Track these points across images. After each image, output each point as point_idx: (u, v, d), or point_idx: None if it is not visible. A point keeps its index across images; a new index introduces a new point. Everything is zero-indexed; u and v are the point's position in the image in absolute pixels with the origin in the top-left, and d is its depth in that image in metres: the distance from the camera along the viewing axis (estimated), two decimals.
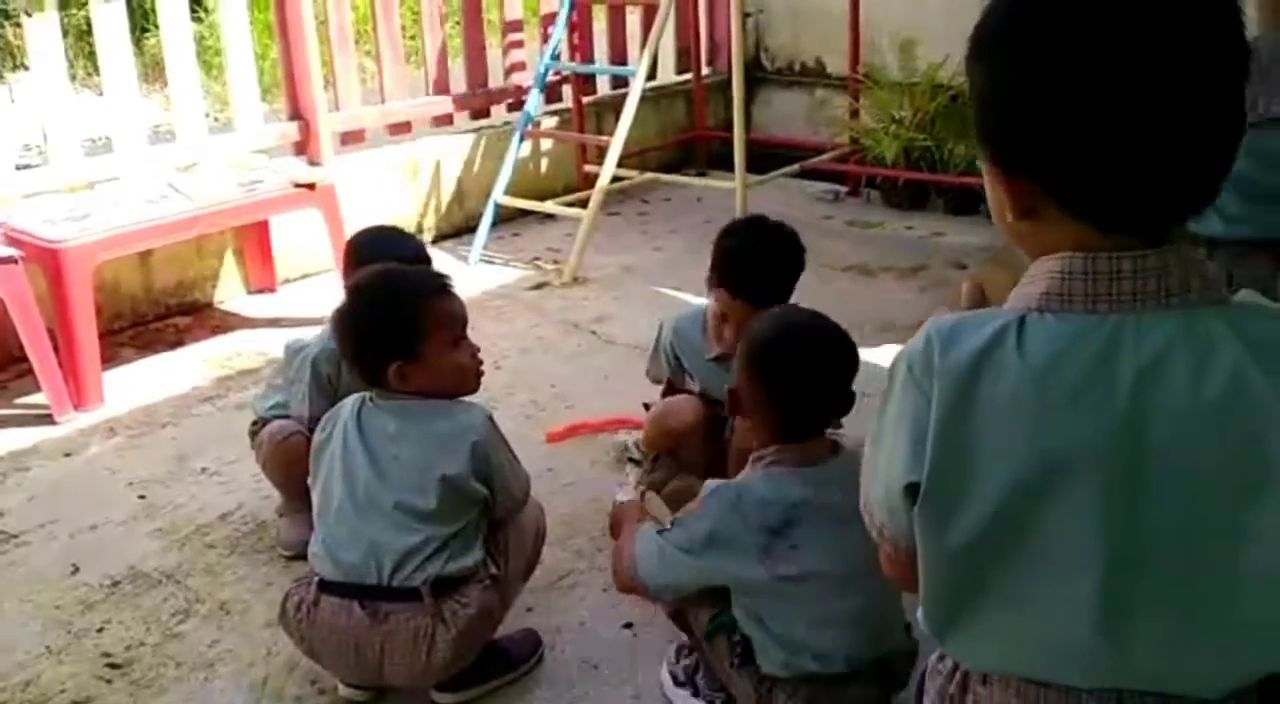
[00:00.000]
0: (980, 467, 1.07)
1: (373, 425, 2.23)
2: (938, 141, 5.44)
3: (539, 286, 4.81)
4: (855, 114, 5.89)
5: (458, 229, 5.51)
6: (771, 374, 2.02)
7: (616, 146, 5.00)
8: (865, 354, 2.13)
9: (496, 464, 2.25)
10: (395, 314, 2.21)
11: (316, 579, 2.18)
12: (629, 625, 2.57)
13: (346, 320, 2.24)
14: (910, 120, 5.52)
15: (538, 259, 5.17)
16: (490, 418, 2.28)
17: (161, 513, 3.14)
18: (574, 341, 4.23)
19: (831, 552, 1.93)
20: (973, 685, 1.19)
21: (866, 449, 1.22)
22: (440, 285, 2.27)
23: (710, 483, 2.05)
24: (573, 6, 5.47)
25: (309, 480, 2.34)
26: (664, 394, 3.05)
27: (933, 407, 1.09)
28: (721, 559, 1.96)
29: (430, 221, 5.45)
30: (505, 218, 5.38)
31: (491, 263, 5.12)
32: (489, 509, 2.27)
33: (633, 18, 6.27)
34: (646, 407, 3.13)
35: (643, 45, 6.21)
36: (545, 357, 4.05)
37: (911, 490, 1.12)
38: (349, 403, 2.30)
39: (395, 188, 5.26)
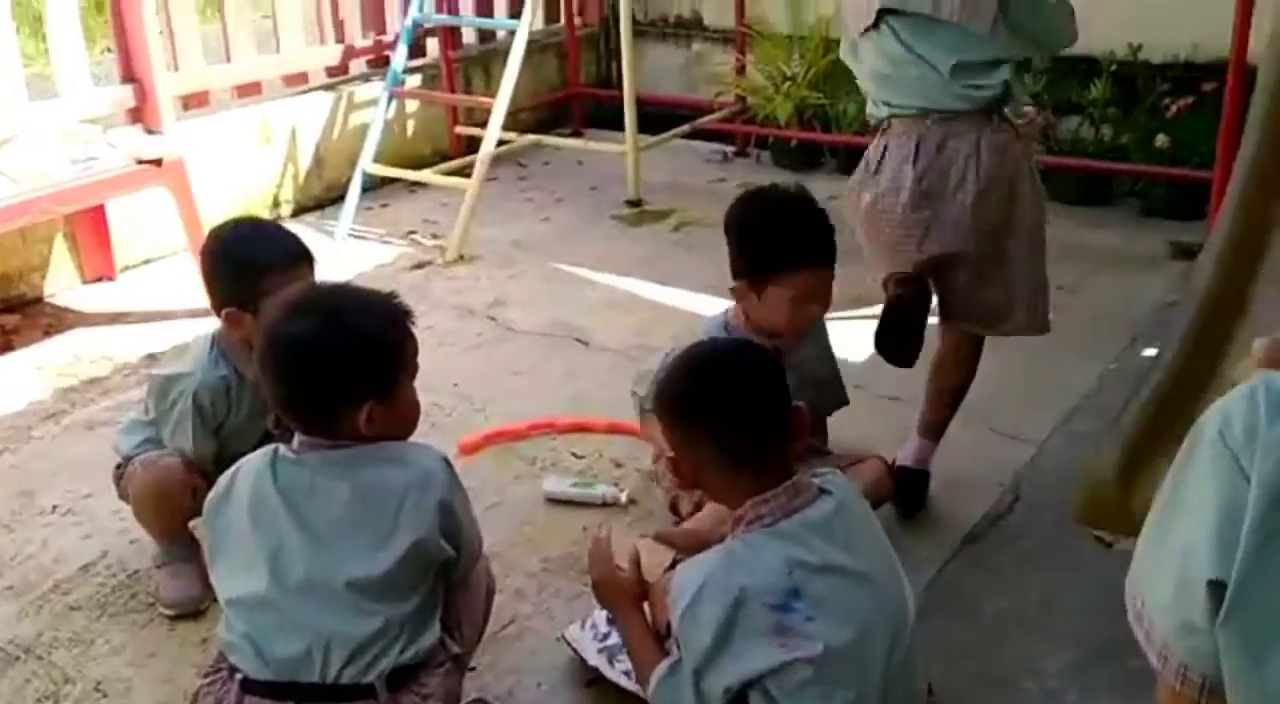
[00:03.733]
0: None
1: (298, 484, 1.81)
2: (831, 99, 5.17)
3: (420, 266, 4.36)
4: (742, 70, 5.57)
5: (319, 201, 4.98)
6: (696, 417, 1.77)
7: (501, 107, 4.56)
8: None
9: (461, 519, 1.87)
10: (377, 345, 1.80)
11: (239, 677, 1.76)
12: (593, 683, 2.22)
13: (305, 354, 1.80)
14: (802, 77, 5.23)
15: (413, 233, 4.71)
16: (448, 461, 1.89)
17: (9, 566, 2.62)
18: (471, 330, 3.81)
19: (848, 618, 1.64)
20: None
21: (1148, 531, 0.94)
22: (407, 309, 1.87)
23: (689, 573, 1.70)
24: None
25: (207, 551, 1.91)
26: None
27: (1253, 487, 0.82)
28: (739, 659, 1.63)
29: (288, 193, 4.90)
30: (369, 187, 4.88)
31: (363, 239, 4.63)
32: (448, 572, 1.89)
33: None
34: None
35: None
36: (442, 350, 3.62)
37: (1216, 592, 0.83)
38: (255, 459, 1.87)
39: (246, 157, 4.70)
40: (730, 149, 5.63)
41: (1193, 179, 4.41)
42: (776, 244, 2.33)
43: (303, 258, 2.37)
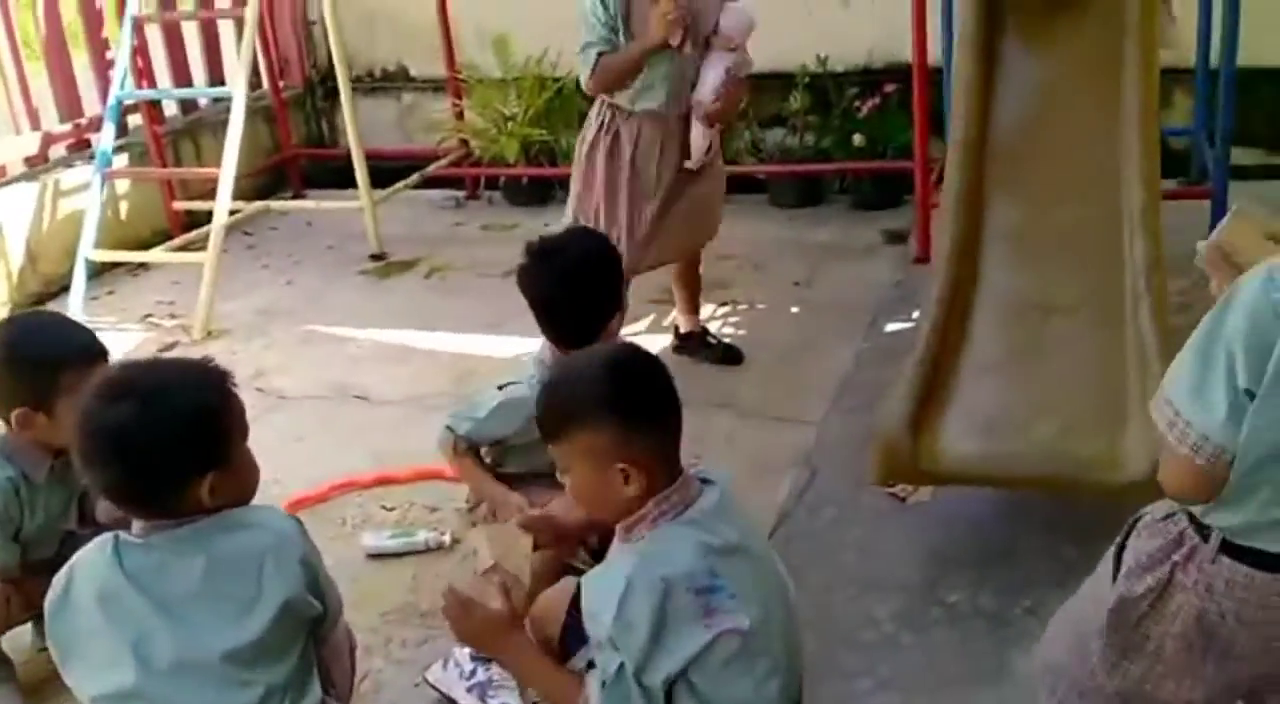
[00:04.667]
0: None
1: (148, 567, 1.74)
2: (554, 135, 5.34)
3: (168, 348, 4.18)
4: (461, 116, 5.65)
5: (38, 297, 4.67)
6: (633, 414, 1.74)
7: (228, 175, 4.45)
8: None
9: (321, 573, 1.85)
10: (203, 417, 1.74)
11: None
12: None
13: (132, 441, 1.72)
14: (523, 116, 5.37)
15: (150, 316, 4.50)
16: (297, 518, 1.87)
17: None
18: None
19: (755, 594, 1.75)
20: (1202, 554, 1.48)
21: (1189, 352, 1.41)
22: (223, 371, 1.82)
23: (603, 581, 1.73)
24: (135, 27, 4.78)
25: (56, 657, 1.80)
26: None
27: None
28: (675, 648, 1.67)
29: (1, 294, 4.57)
30: (91, 275, 4.61)
31: (98, 329, 4.32)
32: (316, 630, 1.86)
33: (187, 31, 5.62)
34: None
35: (206, 63, 5.65)
36: None
37: (1249, 395, 1.35)
38: (91, 553, 1.78)
39: None
40: (461, 194, 5.70)
41: (892, 170, 4.86)
42: (582, 319, 2.37)
43: (100, 351, 2.27)
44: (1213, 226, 3.86)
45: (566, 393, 1.79)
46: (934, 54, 4.25)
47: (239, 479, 1.81)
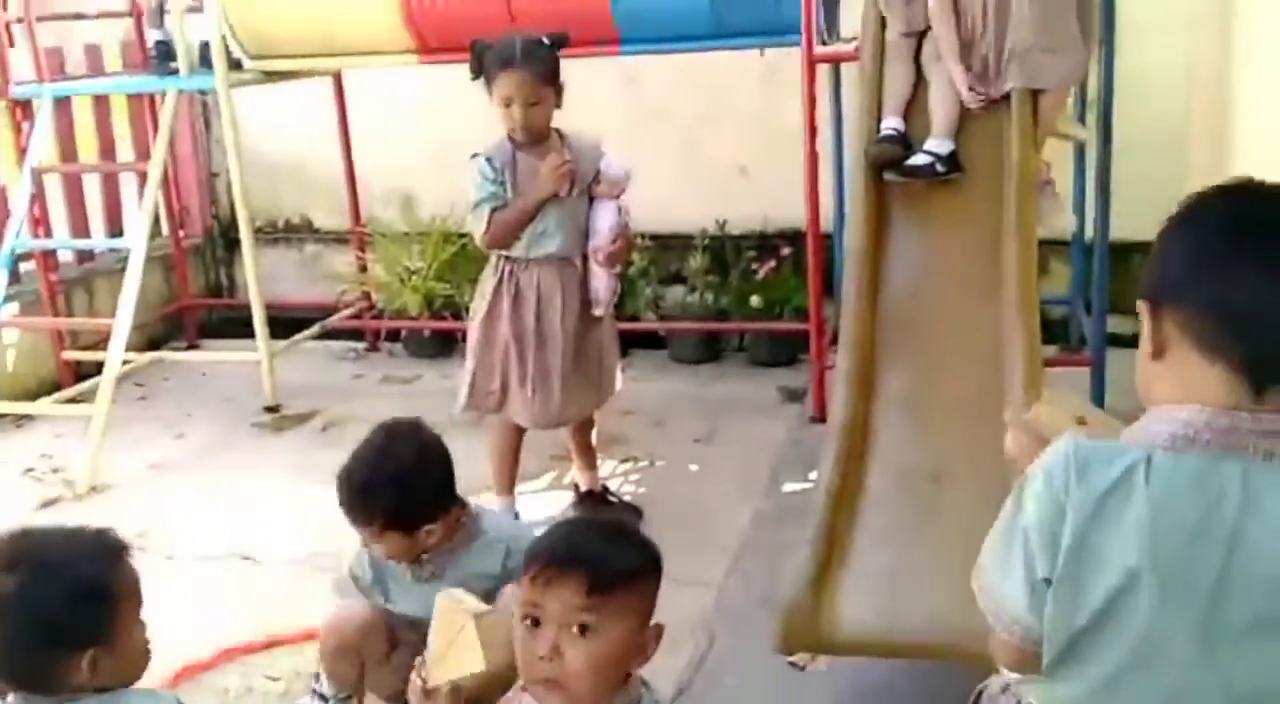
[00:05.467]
0: (1100, 569, 1.31)
1: None
2: (458, 289, 5.38)
3: (50, 503, 4.03)
4: (364, 268, 5.68)
5: None
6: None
7: (123, 326, 4.37)
8: None
9: None
10: (94, 590, 1.68)
11: None
12: None
13: (12, 609, 1.64)
14: (427, 270, 5.42)
15: (31, 470, 4.35)
16: (177, 699, 1.79)
17: None
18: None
19: None
20: None
21: (993, 541, 1.42)
22: (120, 544, 1.77)
23: None
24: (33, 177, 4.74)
25: None
26: None
27: (1068, 517, 1.31)
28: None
29: None
30: None
31: None
32: None
33: (88, 180, 5.59)
34: None
35: (106, 211, 5.63)
36: None
37: (1045, 583, 1.35)
38: None
39: None
40: (362, 346, 5.68)
41: (788, 331, 4.99)
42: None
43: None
44: (1094, 394, 4.09)
45: (620, 550, 1.70)
46: (826, 220, 4.43)
47: (125, 658, 1.75)
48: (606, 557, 1.65)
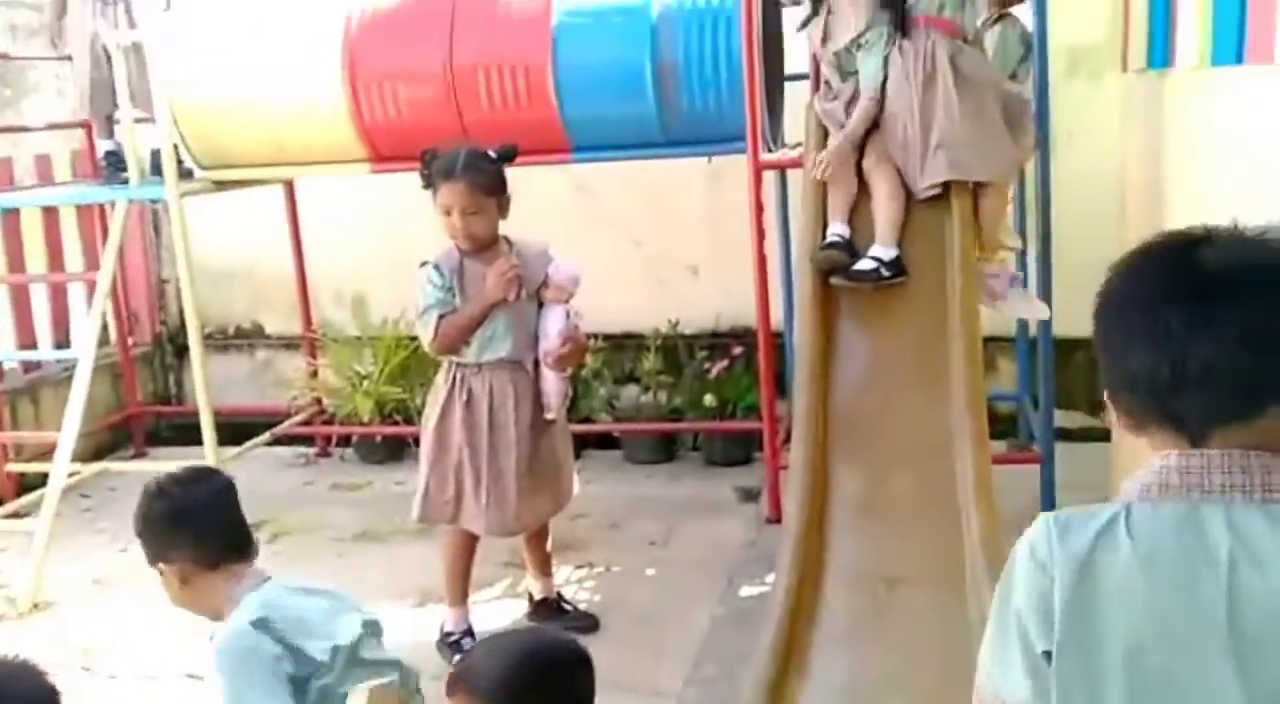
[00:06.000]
0: (1103, 633, 1.26)
1: None
2: (410, 393, 5.37)
3: None
4: (315, 373, 5.65)
5: None
6: None
7: (67, 441, 4.31)
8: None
9: None
10: None
11: None
12: None
13: None
14: (379, 375, 5.40)
15: None
16: None
17: None
18: (65, 687, 3.44)
19: None
20: None
21: (991, 629, 1.36)
22: (56, 692, 1.72)
23: None
24: None
25: None
26: None
27: (1056, 581, 1.28)
28: None
29: None
30: None
31: None
32: None
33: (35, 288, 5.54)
34: None
35: (53, 319, 5.56)
36: None
37: (1046, 656, 1.29)
38: None
39: None
40: (312, 450, 5.63)
41: (742, 430, 5.01)
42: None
43: None
44: (1044, 493, 4.12)
45: (475, 672, 1.74)
46: (777, 319, 4.49)
47: None
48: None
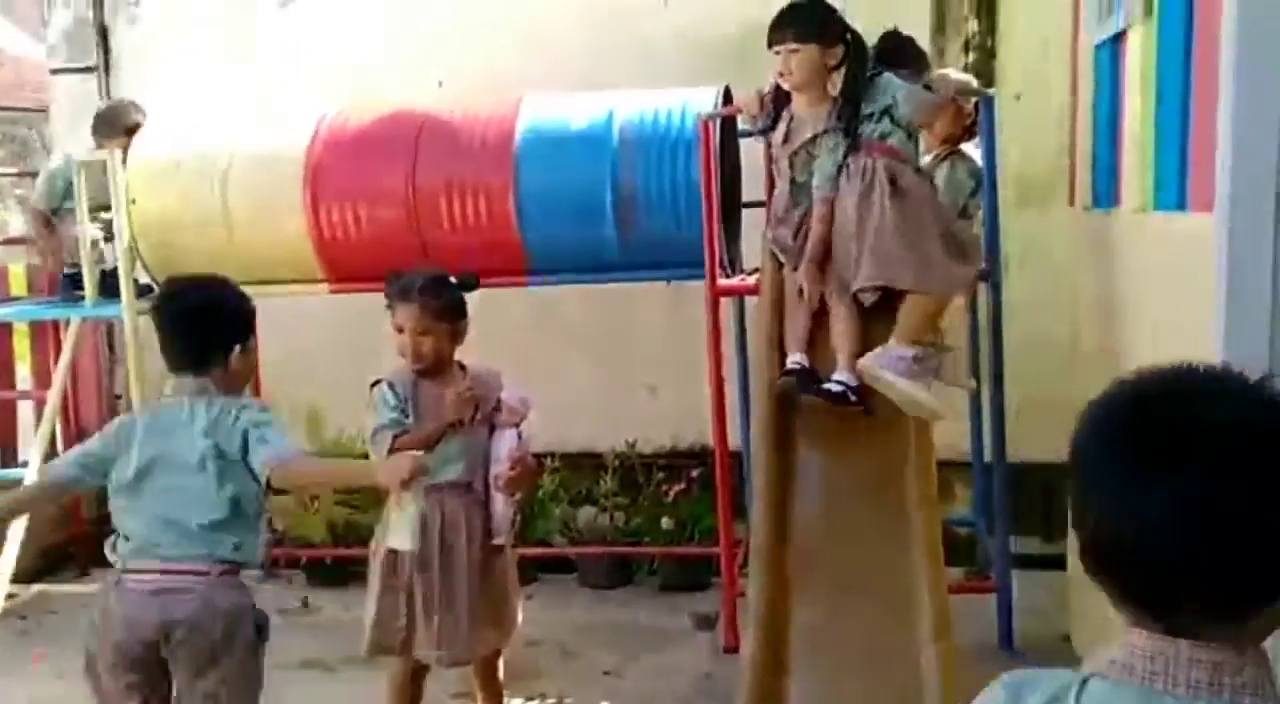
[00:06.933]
0: None
1: None
2: (364, 512, 5.27)
3: None
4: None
5: None
6: None
7: (7, 564, 4.19)
8: None
9: None
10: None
11: None
12: None
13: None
14: (330, 494, 5.32)
15: None
16: None
17: None
18: None
19: None
20: None
21: None
22: None
23: None
24: None
25: None
26: None
27: None
28: None
29: None
30: None
31: None
32: None
33: None
34: None
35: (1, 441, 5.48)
36: None
37: None
38: None
39: None
40: (259, 573, 5.48)
41: (699, 555, 4.96)
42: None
43: None
44: (1000, 621, 4.08)
45: None
46: (734, 439, 4.48)
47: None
48: None
